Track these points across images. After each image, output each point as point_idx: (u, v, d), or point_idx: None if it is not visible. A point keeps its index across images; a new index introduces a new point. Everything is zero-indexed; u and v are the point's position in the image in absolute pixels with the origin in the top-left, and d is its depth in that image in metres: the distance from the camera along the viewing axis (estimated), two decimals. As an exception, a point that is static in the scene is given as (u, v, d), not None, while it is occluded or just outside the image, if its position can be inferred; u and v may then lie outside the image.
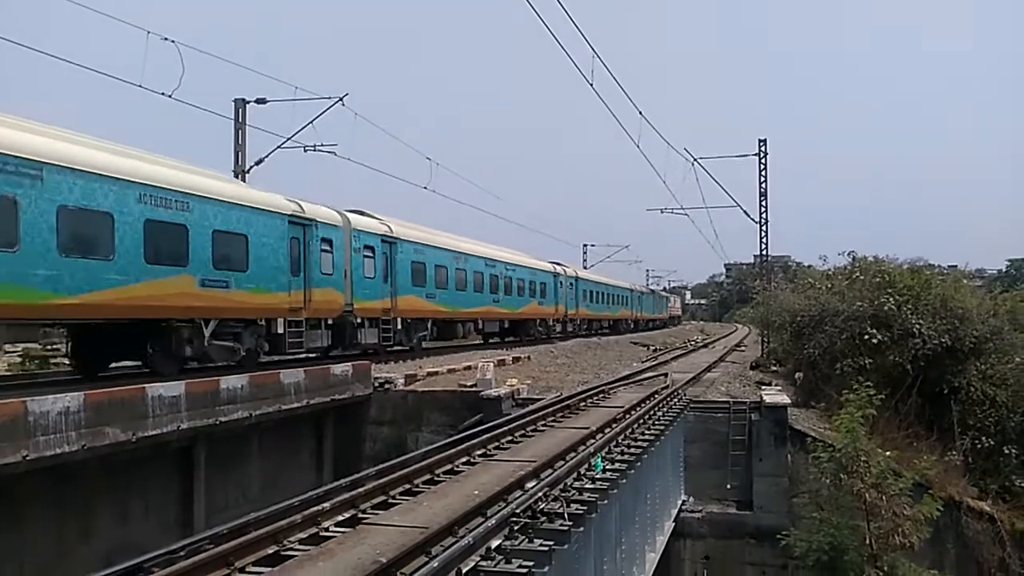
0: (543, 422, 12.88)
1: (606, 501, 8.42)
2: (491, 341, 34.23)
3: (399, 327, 24.21)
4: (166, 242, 14.83)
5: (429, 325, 26.94)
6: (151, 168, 14.96)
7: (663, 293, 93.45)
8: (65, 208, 12.74)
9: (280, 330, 18.34)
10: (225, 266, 16.38)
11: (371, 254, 22.40)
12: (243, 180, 25.15)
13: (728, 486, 17.14)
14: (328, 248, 19.99)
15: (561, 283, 42.86)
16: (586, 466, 9.10)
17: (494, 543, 6.21)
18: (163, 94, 19.50)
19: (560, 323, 43.31)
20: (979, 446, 22.72)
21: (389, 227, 23.90)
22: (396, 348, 24.44)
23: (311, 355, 20.66)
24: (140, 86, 18.80)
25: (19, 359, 22.14)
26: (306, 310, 19.02)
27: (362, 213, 23.21)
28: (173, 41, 19.33)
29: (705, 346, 46.39)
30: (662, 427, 13.18)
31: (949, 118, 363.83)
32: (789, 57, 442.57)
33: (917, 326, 23.58)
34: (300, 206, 19.11)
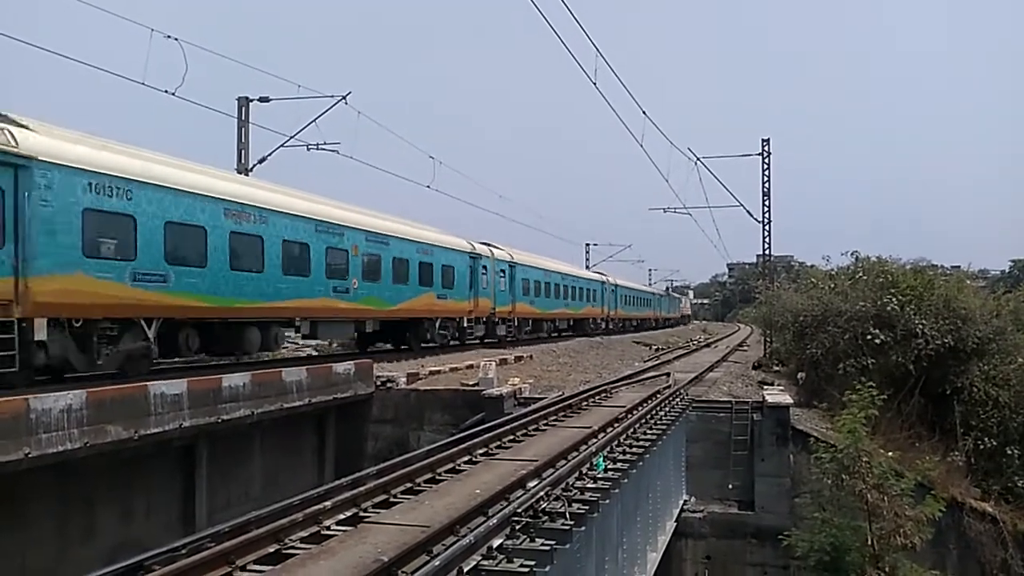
0: (545, 421, 12.88)
1: (608, 501, 8.42)
2: (552, 335, 41.55)
3: (515, 324, 34.40)
4: (424, 273, 24.80)
5: (530, 323, 37.18)
6: (419, 231, 25.31)
7: (676, 295, 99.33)
8: (394, 258, 22.88)
9: (465, 324, 28.76)
10: (446, 285, 26.40)
11: (503, 275, 32.82)
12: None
13: (730, 486, 17.12)
14: (484, 272, 30.37)
15: (605, 289, 52.09)
16: (588, 465, 9.10)
17: (496, 542, 6.20)
18: (166, 92, 19.54)
19: (604, 321, 51.64)
20: (982, 447, 22.70)
21: (511, 255, 34.02)
22: (510, 339, 33.40)
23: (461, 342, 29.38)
24: (143, 83, 18.85)
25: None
26: (474, 312, 29.24)
27: (491, 245, 32.48)
28: (176, 39, 19.35)
29: (707, 346, 46.41)
30: (664, 427, 13.17)
31: (952, 118, 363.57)
32: (792, 56, 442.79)
33: (920, 326, 23.54)
34: (473, 246, 29.75)
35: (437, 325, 26.46)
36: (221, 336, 16.80)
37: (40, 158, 12.09)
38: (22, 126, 12.28)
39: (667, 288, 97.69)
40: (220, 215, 15.84)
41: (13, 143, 11.78)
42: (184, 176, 15.30)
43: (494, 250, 32.29)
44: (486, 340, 31.09)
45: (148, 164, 14.49)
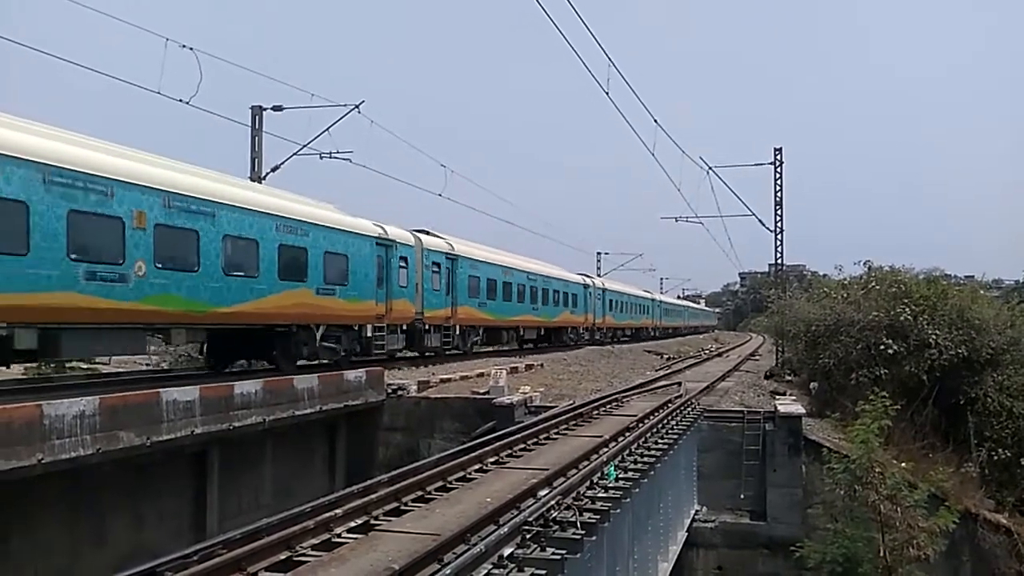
0: (556, 430, 12.85)
1: (619, 510, 8.39)
2: (525, 347, 35.73)
3: (457, 333, 27.46)
4: (290, 261, 17.81)
5: (480, 332, 30.16)
6: (279, 202, 18.25)
7: (709, 309, 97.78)
8: (226, 236, 15.82)
9: (369, 334, 21.40)
10: (333, 280, 19.42)
11: (437, 269, 25.76)
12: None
13: (742, 496, 17.04)
14: (404, 265, 23.28)
15: (590, 294, 45.18)
16: (599, 475, 9.08)
17: (506, 551, 6.19)
18: (181, 101, 19.63)
19: (588, 331, 45.28)
20: (996, 458, 22.54)
21: (451, 245, 27.15)
22: (452, 351, 27.30)
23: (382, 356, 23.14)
24: (159, 93, 18.92)
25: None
26: (387, 317, 22.07)
27: (427, 233, 26.01)
28: (191, 48, 19.46)
29: (719, 355, 46.15)
30: (675, 436, 13.12)
31: (968, 125, 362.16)
32: (808, 65, 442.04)
33: (933, 337, 23.44)
34: (384, 229, 22.34)
35: (319, 335, 19.21)
36: None
37: None
38: None
39: (678, 295, 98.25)
40: None
41: None
42: None
43: (424, 237, 25.29)
44: (426, 354, 25.52)
45: None
